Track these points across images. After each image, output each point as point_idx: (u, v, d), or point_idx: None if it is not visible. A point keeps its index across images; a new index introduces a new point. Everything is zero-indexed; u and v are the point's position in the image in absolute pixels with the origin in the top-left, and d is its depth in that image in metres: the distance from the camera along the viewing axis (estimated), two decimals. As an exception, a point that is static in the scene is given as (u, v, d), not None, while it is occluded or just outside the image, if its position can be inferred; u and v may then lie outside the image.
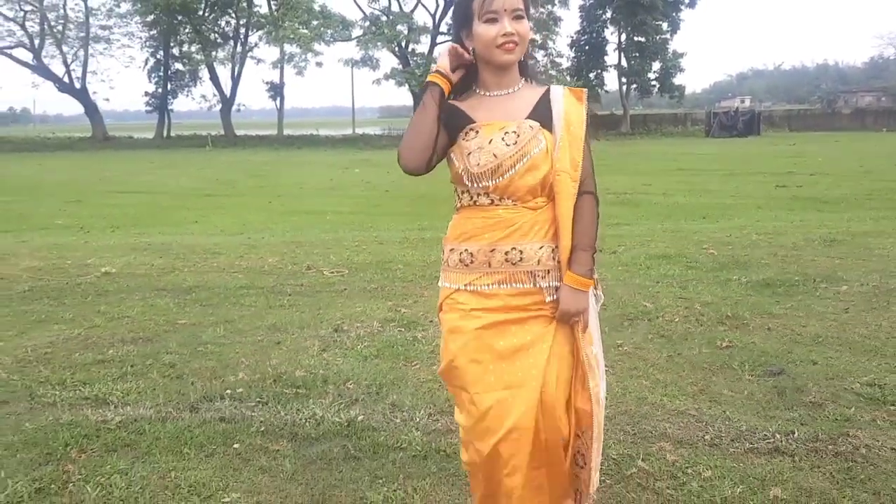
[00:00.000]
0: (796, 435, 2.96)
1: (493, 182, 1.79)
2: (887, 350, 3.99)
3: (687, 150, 26.55)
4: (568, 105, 1.83)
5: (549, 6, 36.02)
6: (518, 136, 1.78)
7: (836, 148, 25.08)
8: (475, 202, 1.84)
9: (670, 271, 6.03)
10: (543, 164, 1.79)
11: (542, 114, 1.82)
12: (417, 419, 3.14)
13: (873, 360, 3.84)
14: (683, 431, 3.01)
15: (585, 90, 1.87)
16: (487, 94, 1.86)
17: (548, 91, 1.86)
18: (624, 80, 43.34)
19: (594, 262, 1.84)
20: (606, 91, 46.23)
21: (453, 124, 1.82)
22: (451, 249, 1.88)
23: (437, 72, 1.81)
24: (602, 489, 2.55)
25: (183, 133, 45.67)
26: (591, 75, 41.77)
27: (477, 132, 1.81)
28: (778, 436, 2.95)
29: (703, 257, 6.57)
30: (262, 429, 3.10)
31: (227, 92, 44.76)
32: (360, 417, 3.17)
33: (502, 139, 1.78)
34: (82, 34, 43.53)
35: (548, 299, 1.83)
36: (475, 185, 1.81)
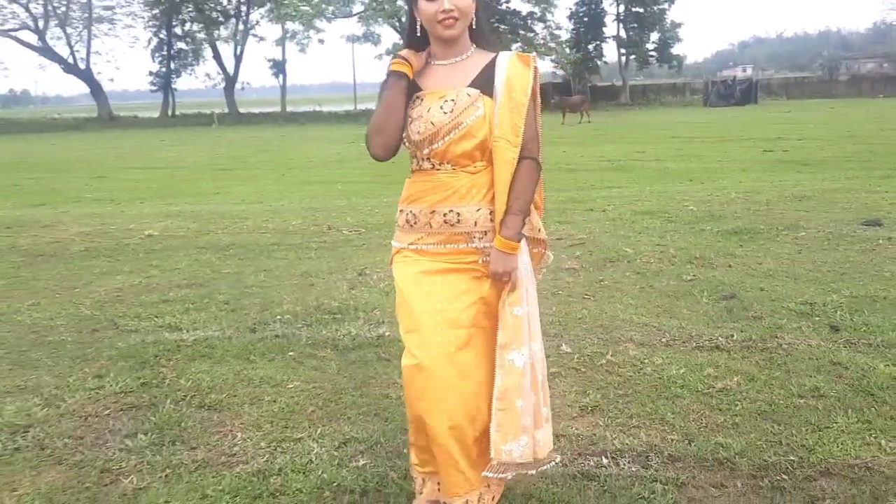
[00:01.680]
0: (735, 337, 3.72)
1: (431, 148, 1.89)
2: (826, 279, 4.75)
3: (683, 119, 27.14)
4: (512, 71, 1.89)
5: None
6: (455, 103, 1.86)
7: (830, 115, 25.62)
8: (420, 167, 1.95)
9: (652, 224, 6.77)
10: (480, 130, 1.87)
11: (484, 81, 1.89)
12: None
13: (812, 286, 4.60)
14: (645, 337, 3.78)
15: (534, 55, 1.95)
16: (436, 62, 1.95)
17: (495, 58, 1.93)
18: (623, 51, 43.69)
19: (524, 225, 1.92)
20: (605, 62, 46.40)
21: (408, 93, 1.91)
22: (400, 211, 2.01)
23: (400, 57, 1.91)
24: (576, 375, 3.31)
25: (187, 112, 46.20)
26: (591, 47, 42.03)
27: (421, 100, 1.91)
28: (720, 339, 3.71)
29: (682, 213, 7.31)
30: (310, 342, 3.87)
31: (231, 70, 45.23)
32: (387, 333, 3.94)
33: (440, 107, 1.87)
34: (86, 15, 43.98)
35: (483, 259, 1.93)
36: (417, 151, 1.93)
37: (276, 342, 3.88)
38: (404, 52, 1.93)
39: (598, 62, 43.17)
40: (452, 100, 1.87)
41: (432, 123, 1.87)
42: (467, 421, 1.93)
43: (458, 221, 1.92)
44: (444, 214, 1.92)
